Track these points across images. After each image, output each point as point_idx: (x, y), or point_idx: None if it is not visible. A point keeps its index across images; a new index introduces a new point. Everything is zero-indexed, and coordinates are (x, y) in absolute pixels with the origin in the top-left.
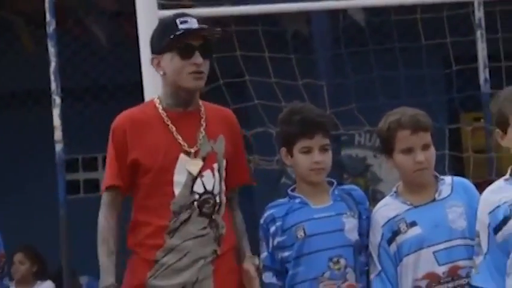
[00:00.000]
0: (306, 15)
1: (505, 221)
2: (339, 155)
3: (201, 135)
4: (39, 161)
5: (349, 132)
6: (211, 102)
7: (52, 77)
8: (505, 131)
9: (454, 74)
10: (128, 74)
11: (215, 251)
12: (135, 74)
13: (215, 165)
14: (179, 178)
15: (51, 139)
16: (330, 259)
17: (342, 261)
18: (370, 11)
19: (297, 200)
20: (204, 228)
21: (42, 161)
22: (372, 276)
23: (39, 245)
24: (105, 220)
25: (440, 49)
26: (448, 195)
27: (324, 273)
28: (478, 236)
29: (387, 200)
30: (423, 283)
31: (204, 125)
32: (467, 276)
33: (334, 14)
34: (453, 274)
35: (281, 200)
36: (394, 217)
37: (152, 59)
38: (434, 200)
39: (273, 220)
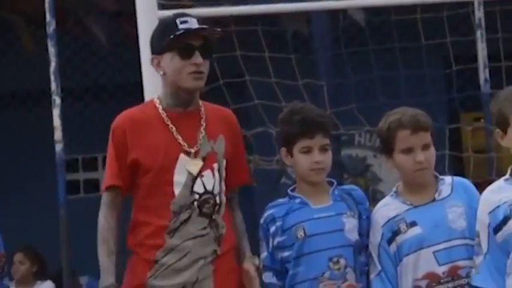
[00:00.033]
0: (306, 15)
1: (505, 221)
2: (339, 155)
3: (201, 135)
4: (39, 161)
5: (349, 132)
6: (211, 102)
7: (52, 77)
8: (505, 131)
9: (454, 74)
10: (128, 74)
11: (215, 251)
12: (135, 74)
13: (215, 165)
14: (179, 178)
15: (51, 139)
16: (330, 259)
17: (342, 261)
18: (370, 11)
19: (297, 200)
20: (204, 228)
21: (42, 161)
22: (371, 276)
23: (39, 245)
24: (105, 220)
25: (440, 49)
26: (448, 195)
27: (324, 273)
28: (478, 236)
29: (387, 200)
30: (423, 283)
31: (204, 125)
32: (467, 276)
33: (334, 14)
34: (453, 274)
35: (281, 200)
36: (394, 217)
37: (152, 59)
38: (434, 200)
39: (273, 220)
